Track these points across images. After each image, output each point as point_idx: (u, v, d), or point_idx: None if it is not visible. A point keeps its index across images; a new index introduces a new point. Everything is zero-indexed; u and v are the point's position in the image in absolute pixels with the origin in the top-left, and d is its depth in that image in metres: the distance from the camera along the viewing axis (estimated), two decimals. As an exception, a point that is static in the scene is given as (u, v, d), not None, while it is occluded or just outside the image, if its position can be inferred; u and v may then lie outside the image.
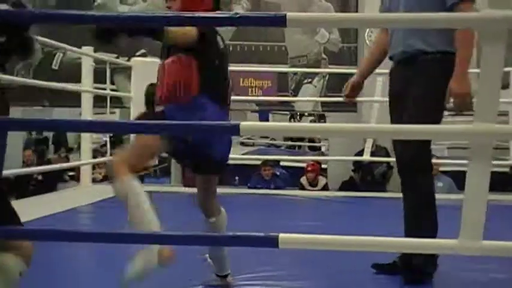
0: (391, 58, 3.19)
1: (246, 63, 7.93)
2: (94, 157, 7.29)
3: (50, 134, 13.64)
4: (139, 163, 2.50)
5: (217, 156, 2.59)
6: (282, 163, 9.13)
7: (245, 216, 4.82)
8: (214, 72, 2.59)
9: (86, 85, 6.15)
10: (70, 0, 7.99)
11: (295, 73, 8.27)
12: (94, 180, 7.21)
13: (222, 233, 2.03)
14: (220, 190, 6.58)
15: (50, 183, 8.29)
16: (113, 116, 9.11)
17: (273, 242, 1.83)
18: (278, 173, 8.18)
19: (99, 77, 6.43)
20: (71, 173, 9.71)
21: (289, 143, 14.68)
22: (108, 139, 7.23)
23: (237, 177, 9.29)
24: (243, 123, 1.85)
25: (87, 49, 6.13)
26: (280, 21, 1.79)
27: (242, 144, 14.40)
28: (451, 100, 2.85)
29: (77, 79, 6.40)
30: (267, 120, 12.93)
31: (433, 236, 2.74)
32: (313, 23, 1.97)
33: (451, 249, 1.74)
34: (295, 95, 8.34)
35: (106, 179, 9.67)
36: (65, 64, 8.44)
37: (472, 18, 1.87)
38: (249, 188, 7.66)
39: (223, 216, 2.79)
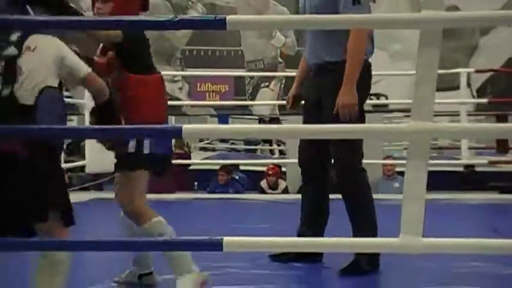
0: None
1: (203, 68, 7.93)
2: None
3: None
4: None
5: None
6: (241, 167, 9.11)
7: (203, 221, 4.81)
8: None
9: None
10: None
11: (252, 77, 8.29)
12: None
13: (167, 238, 2.03)
14: (179, 195, 6.55)
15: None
16: (72, 123, 9.01)
17: (217, 246, 1.83)
18: (237, 177, 8.16)
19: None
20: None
21: (249, 146, 14.67)
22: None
23: (196, 182, 9.25)
24: (186, 126, 1.84)
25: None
26: (220, 24, 1.80)
27: (203, 149, 14.36)
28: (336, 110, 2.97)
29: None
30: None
31: (373, 235, 2.79)
32: (253, 25, 1.98)
33: (392, 248, 1.76)
34: (253, 99, 8.36)
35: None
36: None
37: (410, 20, 1.90)
38: (208, 192, 7.63)
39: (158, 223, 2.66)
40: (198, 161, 9.75)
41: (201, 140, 13.10)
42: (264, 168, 8.54)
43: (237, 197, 6.62)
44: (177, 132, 1.83)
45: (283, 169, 8.67)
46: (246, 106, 8.52)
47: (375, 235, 2.83)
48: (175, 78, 8.28)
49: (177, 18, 1.86)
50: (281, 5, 8.36)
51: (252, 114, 9.32)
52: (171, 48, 8.06)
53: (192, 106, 8.44)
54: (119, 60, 2.57)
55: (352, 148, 3.02)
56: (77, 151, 8.19)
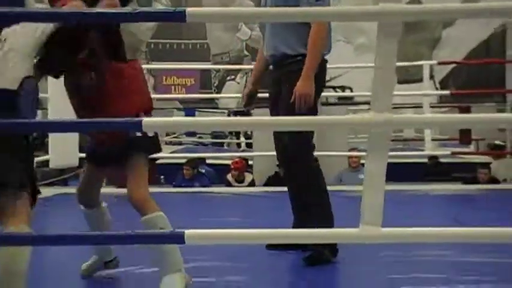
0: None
1: (168, 61, 7.89)
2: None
3: None
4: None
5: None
6: (208, 161, 9.09)
7: (169, 214, 4.78)
8: None
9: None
10: None
11: (218, 70, 8.28)
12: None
13: (130, 231, 2.01)
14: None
15: None
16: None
17: (179, 238, 1.83)
18: (203, 171, 8.14)
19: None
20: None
21: (216, 140, 14.64)
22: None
23: (162, 176, 9.20)
24: (146, 119, 1.84)
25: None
26: (180, 16, 1.79)
27: (170, 143, 14.30)
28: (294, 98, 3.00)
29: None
30: (193, 118, 12.87)
31: (328, 225, 2.83)
32: (214, 17, 1.98)
33: (352, 238, 1.78)
34: (219, 92, 8.35)
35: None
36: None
37: (370, 12, 1.92)
38: (174, 186, 7.60)
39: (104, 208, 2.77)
40: (164, 154, 9.70)
41: (167, 134, 13.03)
42: (229, 162, 8.54)
43: (204, 191, 6.61)
44: (137, 126, 1.83)
45: (250, 162, 8.69)
46: (212, 99, 8.51)
47: (331, 224, 2.86)
48: (141, 72, 8.22)
49: (136, 11, 1.85)
50: (247, -2, 8.35)
51: (218, 108, 9.32)
52: (136, 41, 7.99)
53: (158, 100, 8.39)
54: (101, 50, 2.52)
55: (302, 140, 3.06)
56: (41, 146, 8.09)
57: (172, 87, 8.25)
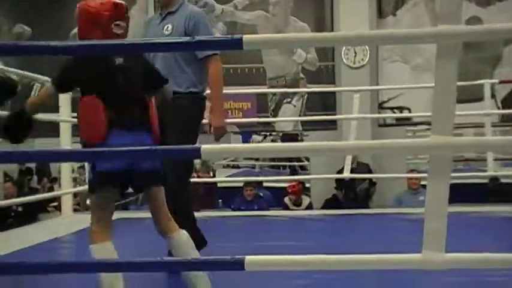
0: None
1: (225, 86, 7.94)
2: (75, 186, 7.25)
3: (33, 164, 13.54)
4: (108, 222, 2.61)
5: (147, 167, 2.58)
6: (265, 184, 9.11)
7: (227, 238, 4.81)
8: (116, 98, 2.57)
9: (64, 114, 6.13)
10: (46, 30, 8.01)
11: (274, 94, 8.31)
12: (76, 210, 7.16)
13: (190, 258, 2.03)
14: (203, 213, 6.59)
15: (31, 214, 8.21)
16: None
17: (239, 265, 1.83)
18: (261, 194, 8.15)
19: (77, 106, 6.38)
20: (53, 204, 9.65)
21: (274, 163, 14.66)
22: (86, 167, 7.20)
23: (220, 200, 9.26)
24: (204, 146, 1.85)
25: (64, 78, 6.12)
26: (237, 43, 1.81)
27: (227, 166, 14.41)
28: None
29: (55, 109, 6.37)
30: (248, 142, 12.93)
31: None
32: (269, 43, 1.99)
33: (414, 264, 1.74)
34: (275, 116, 8.36)
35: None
36: (43, 94, 8.42)
37: (429, 33, 1.89)
38: (233, 210, 7.63)
39: (183, 234, 2.69)
40: (221, 178, 9.78)
41: (224, 158, 13.14)
42: (286, 185, 8.54)
43: (262, 214, 6.60)
44: (196, 153, 1.84)
45: (307, 185, 8.65)
46: (269, 123, 8.52)
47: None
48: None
49: (194, 39, 1.88)
50: (301, 21, 8.38)
51: (274, 131, 9.34)
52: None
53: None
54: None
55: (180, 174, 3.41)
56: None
57: (230, 111, 8.31)
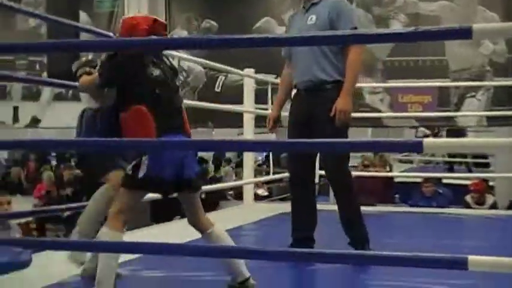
0: (295, 86, 3.78)
1: (405, 79, 7.77)
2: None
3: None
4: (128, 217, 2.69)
5: (192, 174, 2.71)
6: (444, 180, 8.79)
7: (410, 235, 4.70)
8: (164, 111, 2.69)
9: (248, 106, 6.32)
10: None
11: (457, 87, 7.96)
12: (256, 198, 7.38)
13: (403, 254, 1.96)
14: (380, 208, 6.49)
15: (212, 201, 8.59)
16: (273, 135, 9.28)
17: (461, 264, 1.77)
18: (440, 191, 7.88)
19: (260, 97, 6.56)
20: (230, 192, 10.05)
21: (448, 159, 14.10)
22: (270, 158, 7.41)
23: (397, 195, 9.10)
24: (427, 140, 1.81)
25: (249, 71, 6.31)
26: (466, 33, 1.74)
27: (400, 161, 14.12)
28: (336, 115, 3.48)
29: (238, 100, 6.58)
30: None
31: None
32: (500, 32, 1.89)
33: None
34: (458, 110, 8.01)
35: (266, 197, 9.91)
36: (226, 86, 8.79)
37: None
38: (410, 205, 7.46)
39: (219, 228, 2.82)
40: (398, 173, 9.60)
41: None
42: (466, 182, 8.19)
43: (441, 211, 6.36)
44: (418, 146, 1.80)
45: (491, 183, 8.23)
46: (451, 117, 8.20)
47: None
48: (376, 90, 8.21)
49: (418, 30, 1.83)
50: (490, 11, 7.94)
51: (455, 126, 8.98)
52: (372, 60, 8.03)
53: (394, 118, 8.31)
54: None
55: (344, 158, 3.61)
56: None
57: (409, 104, 8.11)
